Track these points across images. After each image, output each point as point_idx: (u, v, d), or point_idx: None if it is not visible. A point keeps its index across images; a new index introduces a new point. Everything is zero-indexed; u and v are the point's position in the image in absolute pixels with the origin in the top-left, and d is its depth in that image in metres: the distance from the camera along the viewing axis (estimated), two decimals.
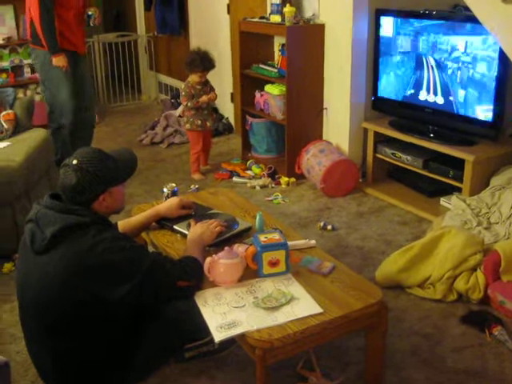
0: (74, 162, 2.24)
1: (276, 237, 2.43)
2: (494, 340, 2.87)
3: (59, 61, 4.61)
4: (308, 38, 4.71)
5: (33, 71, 6.54)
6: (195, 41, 6.87)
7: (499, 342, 2.85)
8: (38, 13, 4.50)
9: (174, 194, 3.09)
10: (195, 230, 2.58)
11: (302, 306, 2.23)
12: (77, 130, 4.91)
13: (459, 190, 4.05)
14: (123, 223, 2.74)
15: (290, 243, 2.48)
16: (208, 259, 2.35)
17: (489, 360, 2.75)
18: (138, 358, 2.36)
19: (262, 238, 2.42)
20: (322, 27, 4.72)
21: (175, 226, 2.79)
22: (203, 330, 2.18)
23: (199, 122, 4.94)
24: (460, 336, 2.93)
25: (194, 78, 4.88)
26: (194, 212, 2.90)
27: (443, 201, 4.21)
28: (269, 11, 5.05)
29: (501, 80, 3.77)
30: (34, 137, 4.20)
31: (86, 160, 2.24)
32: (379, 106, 4.68)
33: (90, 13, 4.86)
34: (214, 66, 4.95)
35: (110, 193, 2.29)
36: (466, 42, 3.91)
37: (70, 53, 4.74)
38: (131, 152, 2.53)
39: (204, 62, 4.83)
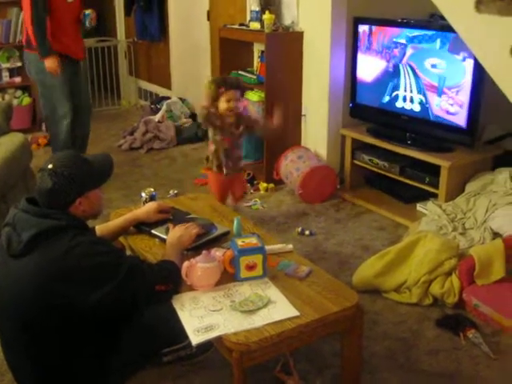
0: (50, 166, 2.24)
1: (253, 241, 2.45)
2: (469, 343, 2.92)
3: (50, 63, 4.59)
4: (287, 46, 4.75)
5: (11, 75, 6.51)
6: (175, 47, 6.90)
7: (474, 345, 2.90)
8: (29, 15, 4.51)
9: (152, 198, 3.10)
10: (173, 234, 2.59)
11: (278, 309, 2.24)
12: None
13: (435, 195, 4.10)
14: (101, 227, 2.74)
15: (267, 247, 2.50)
16: (186, 263, 2.36)
17: (463, 363, 2.80)
18: (116, 363, 2.36)
19: (240, 242, 2.44)
20: (300, 35, 4.76)
21: (153, 231, 2.79)
22: (181, 334, 2.19)
23: (216, 162, 3.88)
24: (435, 339, 2.97)
25: (221, 104, 3.68)
26: (173, 216, 2.91)
27: (419, 206, 4.26)
28: (248, 18, 5.08)
29: (475, 87, 3.83)
30: (12, 141, 4.18)
31: (61, 164, 2.24)
32: (357, 112, 4.72)
33: (86, 12, 4.85)
34: (241, 85, 3.83)
35: (87, 197, 2.30)
36: (441, 51, 3.97)
37: (68, 59, 4.74)
38: (107, 156, 2.53)
39: (226, 79, 3.82)
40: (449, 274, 3.24)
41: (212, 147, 3.83)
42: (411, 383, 2.68)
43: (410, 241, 3.39)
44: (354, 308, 2.29)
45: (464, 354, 2.85)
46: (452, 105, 4.00)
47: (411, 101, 4.27)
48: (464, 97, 3.91)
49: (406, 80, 4.27)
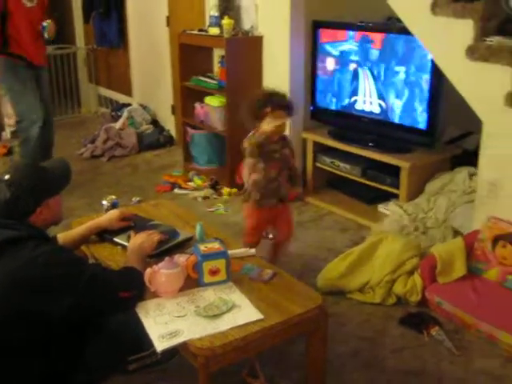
0: (7, 176, 2.21)
1: (216, 246, 2.45)
2: (432, 340, 2.96)
3: None
4: (247, 50, 4.76)
5: None
6: (135, 53, 6.86)
7: (437, 342, 2.94)
8: None
9: (113, 206, 3.08)
10: (135, 241, 2.58)
11: (243, 313, 2.25)
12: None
13: (397, 196, 4.15)
14: (63, 236, 2.71)
15: (230, 252, 2.51)
16: (148, 270, 2.35)
17: (427, 360, 2.84)
18: (81, 373, 2.33)
19: (202, 247, 2.44)
20: (260, 39, 4.78)
21: (115, 239, 2.78)
22: (146, 341, 2.18)
23: (258, 195, 3.22)
24: (399, 338, 3.01)
25: (266, 126, 3.09)
26: (135, 224, 2.89)
27: (381, 207, 4.31)
28: (207, 23, 5.08)
29: (434, 89, 3.89)
30: None
31: (18, 174, 2.22)
32: (318, 115, 4.76)
33: (44, 24, 4.78)
34: (290, 103, 3.18)
35: (47, 205, 2.28)
36: (400, 53, 4.03)
37: (25, 61, 4.70)
38: (64, 161, 2.51)
39: (273, 96, 3.14)
40: (411, 273, 3.28)
41: (255, 177, 3.19)
42: (376, 381, 2.70)
43: (372, 241, 3.43)
44: (317, 309, 2.31)
45: (428, 351, 2.89)
46: (412, 106, 4.06)
47: (371, 103, 4.31)
48: (423, 98, 3.96)
49: (365, 83, 4.31)
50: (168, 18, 6.04)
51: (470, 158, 3.96)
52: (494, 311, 3.02)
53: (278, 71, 4.71)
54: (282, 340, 2.37)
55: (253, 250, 2.74)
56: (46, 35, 4.81)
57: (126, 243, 2.69)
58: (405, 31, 3.66)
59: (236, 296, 2.36)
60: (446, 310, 3.12)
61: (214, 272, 2.41)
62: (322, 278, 3.38)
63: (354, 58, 4.35)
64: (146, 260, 2.54)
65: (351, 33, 4.33)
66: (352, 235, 4.09)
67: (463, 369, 2.78)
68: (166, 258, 2.39)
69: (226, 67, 4.71)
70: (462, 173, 4.02)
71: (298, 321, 2.27)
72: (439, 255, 3.25)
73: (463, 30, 3.29)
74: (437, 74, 3.71)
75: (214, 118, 4.98)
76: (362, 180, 4.39)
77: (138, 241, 2.57)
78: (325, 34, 4.51)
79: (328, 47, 4.51)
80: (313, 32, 4.57)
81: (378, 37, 4.16)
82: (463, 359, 2.84)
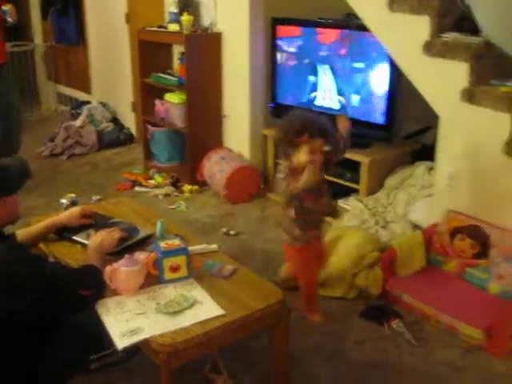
0: None
1: (176, 242, 2.45)
2: (393, 332, 3.00)
3: None
4: (206, 47, 4.75)
5: None
6: (94, 50, 6.80)
7: (398, 334, 2.98)
8: None
9: (73, 204, 3.06)
10: (95, 239, 2.55)
11: (204, 309, 2.25)
12: None
13: (357, 191, 4.18)
14: (22, 233, 2.67)
15: (191, 248, 2.50)
16: (108, 267, 2.33)
17: (389, 352, 2.87)
18: (42, 372, 2.31)
19: (163, 244, 2.43)
20: (219, 35, 4.78)
21: (75, 237, 2.75)
22: (107, 339, 2.16)
23: (296, 231, 2.90)
24: (361, 330, 3.04)
25: (300, 156, 2.72)
26: (95, 222, 2.87)
27: (342, 202, 4.33)
28: (167, 20, 5.06)
29: (392, 84, 3.93)
30: None
31: None
32: (278, 112, 4.75)
33: (4, 8, 4.67)
34: (330, 130, 2.79)
35: (4, 203, 2.25)
36: (358, 49, 4.06)
37: None
38: (22, 160, 2.48)
39: (310, 122, 2.73)
40: (372, 266, 3.31)
41: (291, 213, 2.84)
42: (340, 374, 2.73)
43: (333, 236, 3.45)
44: (278, 304, 2.32)
45: (389, 343, 2.93)
46: (370, 102, 4.09)
47: (330, 99, 4.34)
48: (382, 94, 4.01)
49: (324, 79, 4.34)
50: (127, 15, 5.99)
51: (428, 153, 4.00)
52: (453, 303, 3.08)
53: (237, 68, 4.71)
54: (243, 335, 2.37)
55: (214, 246, 2.74)
56: (8, 19, 4.70)
57: (85, 241, 2.67)
58: (363, 28, 3.70)
59: (197, 292, 2.35)
60: (407, 302, 3.17)
61: (174, 269, 2.40)
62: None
63: (312, 54, 4.37)
64: (106, 258, 2.52)
65: (310, 29, 4.35)
66: None
67: (424, 360, 2.82)
68: (126, 256, 2.38)
69: (185, 64, 4.70)
70: (420, 167, 4.07)
71: (260, 316, 2.27)
72: (399, 248, 3.29)
73: (420, 26, 3.34)
74: (395, 69, 3.75)
75: (175, 114, 4.96)
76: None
77: (98, 239, 2.55)
78: (284, 31, 4.53)
79: (287, 44, 4.53)
80: (272, 29, 4.58)
81: (336, 33, 4.19)
82: (423, 351, 2.88)
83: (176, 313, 2.20)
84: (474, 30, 3.21)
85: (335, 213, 3.13)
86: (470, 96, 3.19)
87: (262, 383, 2.65)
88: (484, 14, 3.11)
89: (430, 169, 3.97)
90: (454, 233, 3.32)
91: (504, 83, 3.21)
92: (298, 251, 2.95)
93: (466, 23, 3.29)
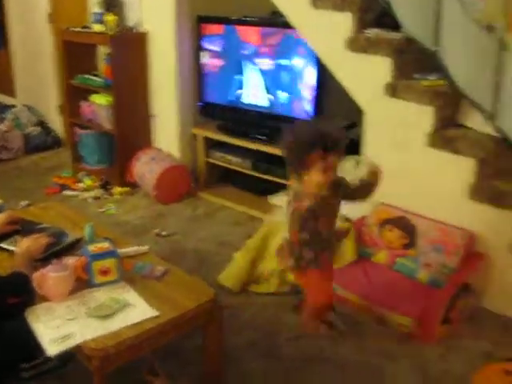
0: None
1: (106, 246, 2.42)
2: (327, 325, 3.01)
3: None
4: (132, 47, 4.71)
5: None
6: (17, 52, 6.62)
7: (331, 326, 3.00)
8: None
9: None
10: (22, 245, 2.50)
11: (136, 311, 2.23)
12: None
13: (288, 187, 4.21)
14: None
15: (121, 251, 2.49)
16: (36, 274, 2.29)
17: (323, 345, 2.91)
18: None
19: (92, 247, 2.40)
20: (145, 35, 4.73)
21: (1, 244, 2.69)
22: (38, 347, 2.12)
23: (311, 254, 2.61)
24: (294, 325, 3.06)
25: (314, 176, 2.41)
26: (22, 228, 2.81)
27: (273, 198, 4.36)
28: (91, 20, 4.97)
29: (319, 81, 3.98)
30: None
31: None
32: (207, 111, 4.76)
33: None
34: (342, 142, 2.44)
35: None
36: (284, 46, 4.09)
37: None
38: None
39: (325, 136, 2.36)
40: None
41: (304, 236, 2.53)
42: (275, 370, 2.74)
43: (263, 233, 3.47)
44: (210, 303, 2.33)
45: (323, 337, 2.96)
46: (298, 99, 4.13)
47: (258, 96, 4.36)
48: (309, 91, 4.05)
49: (250, 76, 4.36)
50: (50, 15, 5.86)
51: (357, 148, 4.06)
52: (384, 293, 3.13)
53: (164, 67, 4.68)
54: (176, 335, 2.36)
55: (145, 247, 2.73)
56: None
57: (12, 248, 2.61)
58: (288, 25, 3.73)
59: (129, 295, 2.34)
60: (339, 295, 3.21)
61: (104, 272, 2.37)
62: (231, 278, 3.37)
63: (237, 52, 4.38)
64: (33, 264, 2.47)
65: (235, 27, 4.36)
66: (245, 228, 4.12)
67: (357, 351, 2.87)
68: (54, 261, 2.33)
69: (111, 64, 4.64)
70: (350, 161, 4.11)
71: (192, 315, 2.28)
72: None
73: (343, 22, 3.40)
74: (321, 66, 3.80)
75: (102, 116, 4.89)
76: (253, 173, 4.44)
77: (24, 245, 2.50)
78: (209, 29, 4.52)
79: (212, 42, 4.52)
80: (197, 27, 4.57)
81: (261, 31, 4.21)
82: (356, 340, 2.94)
83: (107, 316, 2.18)
84: (395, 26, 3.28)
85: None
86: (393, 90, 3.27)
87: (197, 382, 2.64)
88: (404, 9, 3.19)
89: (359, 163, 4.02)
90: (383, 224, 3.38)
91: (426, 77, 3.30)
92: (319, 276, 2.68)
93: (387, 19, 3.36)
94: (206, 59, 4.61)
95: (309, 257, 2.58)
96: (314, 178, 2.38)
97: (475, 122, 3.18)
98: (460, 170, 3.13)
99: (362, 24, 3.41)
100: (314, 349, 2.89)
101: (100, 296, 2.32)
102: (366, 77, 3.37)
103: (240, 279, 3.35)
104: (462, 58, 2.99)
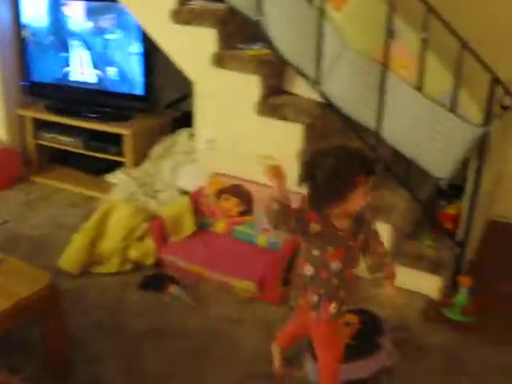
0: None
1: None
2: (172, 298, 3.07)
3: None
4: None
5: None
6: None
7: (177, 299, 3.05)
8: None
9: None
10: None
11: None
12: None
13: (123, 164, 4.16)
14: None
15: None
16: None
17: (170, 317, 2.95)
18: None
19: None
20: None
21: None
22: None
23: (315, 297, 2.13)
24: (140, 302, 3.07)
25: (355, 201, 2.01)
26: None
27: (109, 177, 4.28)
28: None
29: (147, 54, 3.96)
30: None
31: None
32: (34, 90, 4.55)
33: None
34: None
35: None
36: (109, 20, 4.00)
37: None
38: None
39: (364, 157, 2.02)
40: (143, 237, 3.34)
41: (324, 275, 2.11)
42: (124, 348, 2.73)
43: (101, 212, 3.41)
44: (46, 289, 2.27)
45: (169, 309, 3.00)
46: (127, 73, 4.07)
47: (86, 73, 4.25)
48: (138, 65, 4.01)
49: (76, 53, 4.23)
50: None
51: (190, 120, 4.09)
52: (225, 261, 3.21)
53: None
54: (12, 326, 2.28)
55: None
56: None
57: None
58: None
59: None
60: (181, 267, 3.24)
61: None
62: (70, 261, 3.27)
63: (61, 27, 4.22)
64: None
65: (59, 1, 4.18)
66: (82, 209, 4.01)
67: (204, 319, 2.93)
68: None
69: None
70: (183, 134, 4.14)
71: (28, 303, 2.21)
72: (167, 216, 3.35)
73: None
74: (148, 39, 3.75)
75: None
76: (87, 152, 4.32)
77: None
78: (31, 5, 4.29)
79: (35, 19, 4.31)
80: (16, 3, 4.33)
81: (85, 5, 4.08)
82: (202, 310, 2.99)
83: None
84: None
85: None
86: (219, 60, 3.29)
87: (42, 371, 2.56)
88: None
89: (192, 135, 4.05)
90: (219, 194, 3.44)
91: (250, 47, 3.36)
92: (334, 327, 2.23)
93: None
94: (27, 36, 4.38)
95: (311, 299, 2.16)
96: (359, 202, 2.02)
97: (301, 88, 3.29)
98: (289, 135, 3.22)
99: None
100: (160, 321, 2.91)
101: None
102: (192, 49, 3.37)
103: (80, 261, 3.27)
104: (284, 26, 3.07)
